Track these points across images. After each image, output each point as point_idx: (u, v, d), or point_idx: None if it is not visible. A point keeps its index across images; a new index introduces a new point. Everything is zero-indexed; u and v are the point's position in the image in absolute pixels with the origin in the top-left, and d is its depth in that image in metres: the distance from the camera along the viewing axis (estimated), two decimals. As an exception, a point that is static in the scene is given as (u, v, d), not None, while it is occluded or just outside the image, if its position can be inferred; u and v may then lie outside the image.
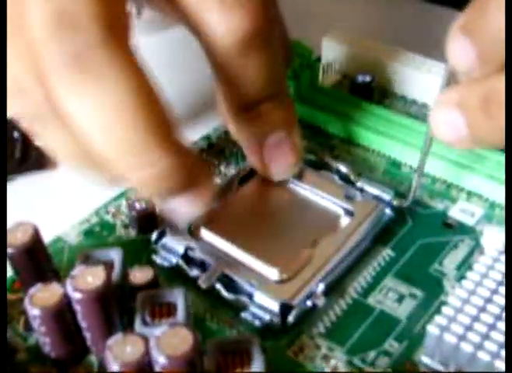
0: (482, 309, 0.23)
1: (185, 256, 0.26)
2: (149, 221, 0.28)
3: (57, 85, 0.21)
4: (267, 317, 0.24)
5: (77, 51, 0.21)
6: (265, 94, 0.26)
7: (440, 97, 0.22)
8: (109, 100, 0.21)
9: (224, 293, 0.25)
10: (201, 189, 0.25)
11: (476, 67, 0.21)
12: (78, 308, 0.22)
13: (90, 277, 0.22)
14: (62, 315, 0.22)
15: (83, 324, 0.23)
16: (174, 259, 0.26)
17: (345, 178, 0.29)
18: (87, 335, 0.23)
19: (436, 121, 0.22)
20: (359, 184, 0.29)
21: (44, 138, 0.24)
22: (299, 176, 0.29)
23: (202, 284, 0.25)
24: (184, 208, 0.25)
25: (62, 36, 0.21)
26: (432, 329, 0.22)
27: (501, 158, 0.29)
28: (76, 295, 0.22)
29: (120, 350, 0.20)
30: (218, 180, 0.30)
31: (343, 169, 0.30)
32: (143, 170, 0.22)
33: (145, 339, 0.21)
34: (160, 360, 0.20)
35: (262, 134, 0.27)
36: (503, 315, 0.22)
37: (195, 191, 0.25)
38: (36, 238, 0.24)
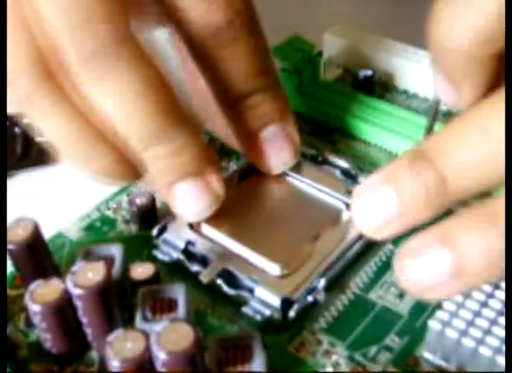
0: (484, 304, 0.22)
1: (186, 251, 0.26)
2: (149, 217, 0.28)
3: (79, 78, 0.22)
4: (268, 312, 0.24)
5: (96, 48, 0.22)
6: (253, 85, 0.26)
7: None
8: (129, 89, 0.22)
9: (225, 288, 0.25)
10: (210, 180, 0.25)
11: (455, 96, 0.20)
12: (78, 304, 0.22)
13: (91, 273, 0.22)
14: (63, 311, 0.22)
15: (84, 320, 0.23)
16: (175, 255, 0.26)
17: (346, 173, 0.29)
18: (88, 331, 0.23)
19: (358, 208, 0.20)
20: (360, 179, 0.29)
21: (40, 124, 0.24)
22: (300, 171, 0.29)
23: (203, 278, 0.25)
24: (191, 200, 0.25)
25: (84, 31, 0.21)
26: (433, 324, 0.22)
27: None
28: (77, 291, 0.22)
29: (121, 346, 0.20)
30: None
31: (344, 163, 0.30)
32: (157, 147, 0.23)
33: (146, 335, 0.21)
34: (161, 355, 0.20)
35: (256, 128, 0.27)
36: (505, 310, 0.22)
37: (204, 180, 0.25)
38: (36, 234, 0.24)
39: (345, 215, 0.27)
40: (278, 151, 0.28)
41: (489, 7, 0.18)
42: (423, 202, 0.18)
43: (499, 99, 0.18)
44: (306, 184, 0.29)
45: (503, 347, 0.21)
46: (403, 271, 0.19)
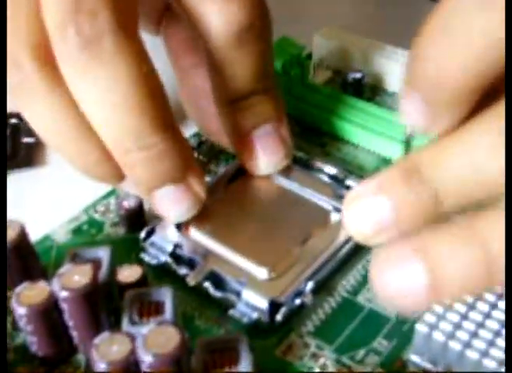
0: (471, 307, 0.22)
1: (174, 254, 0.26)
2: (137, 220, 0.28)
3: (68, 68, 0.22)
4: (255, 315, 0.24)
5: (90, 37, 0.21)
6: (255, 88, 0.26)
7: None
8: (116, 85, 0.22)
9: (212, 291, 0.25)
10: (191, 183, 0.25)
11: (431, 124, 0.18)
12: (64, 306, 0.22)
13: (77, 276, 0.22)
14: (49, 313, 0.22)
15: (70, 323, 0.22)
16: (163, 257, 0.26)
17: (334, 176, 0.29)
18: (74, 334, 0.23)
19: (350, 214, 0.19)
20: (348, 182, 0.29)
21: (29, 113, 0.24)
22: (288, 174, 0.29)
23: (190, 281, 0.25)
24: (173, 203, 0.25)
25: (77, 21, 0.21)
26: (420, 328, 0.22)
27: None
28: (63, 294, 0.22)
29: (107, 348, 0.20)
30: (207, 178, 0.30)
31: (332, 167, 0.29)
32: (138, 152, 0.23)
33: (132, 338, 0.20)
34: (147, 358, 0.20)
35: (250, 126, 0.27)
36: (492, 313, 0.22)
37: (186, 184, 0.25)
38: (23, 236, 0.24)
39: (334, 218, 0.27)
40: (269, 149, 0.28)
41: (491, 35, 0.16)
42: (416, 214, 0.18)
43: (494, 117, 0.17)
44: (294, 187, 0.29)
45: (490, 350, 0.21)
46: (377, 278, 0.18)
